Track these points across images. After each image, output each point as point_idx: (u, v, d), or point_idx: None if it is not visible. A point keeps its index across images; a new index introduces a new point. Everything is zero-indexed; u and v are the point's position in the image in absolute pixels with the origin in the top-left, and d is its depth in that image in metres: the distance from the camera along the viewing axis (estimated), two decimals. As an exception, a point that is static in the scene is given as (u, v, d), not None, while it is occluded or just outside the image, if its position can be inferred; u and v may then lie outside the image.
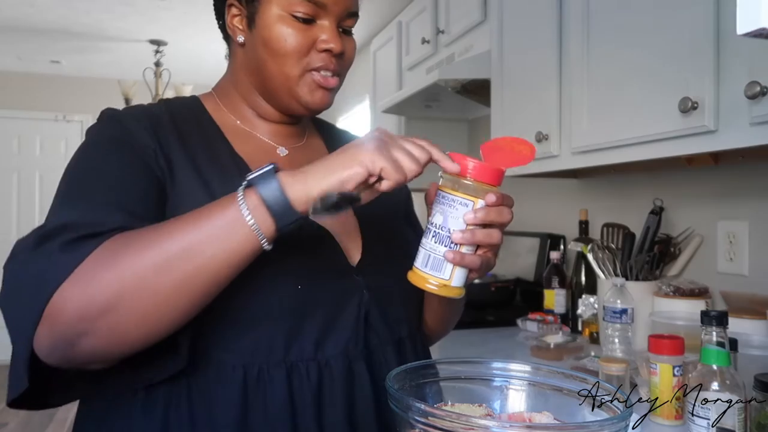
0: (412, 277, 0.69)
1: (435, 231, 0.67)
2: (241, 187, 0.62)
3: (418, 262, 0.69)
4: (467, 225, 0.66)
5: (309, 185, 0.61)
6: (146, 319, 0.60)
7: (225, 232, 0.60)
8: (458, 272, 0.67)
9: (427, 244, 0.68)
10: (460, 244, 0.66)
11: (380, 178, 0.62)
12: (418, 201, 0.99)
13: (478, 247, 0.68)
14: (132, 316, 0.60)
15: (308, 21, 0.76)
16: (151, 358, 0.66)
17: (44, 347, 0.61)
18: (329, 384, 0.71)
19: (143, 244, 0.61)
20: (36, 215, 5.36)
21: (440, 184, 0.68)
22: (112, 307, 0.59)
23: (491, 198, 0.65)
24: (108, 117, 0.76)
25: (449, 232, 0.66)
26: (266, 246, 0.62)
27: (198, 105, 0.84)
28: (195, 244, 0.60)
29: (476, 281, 2.08)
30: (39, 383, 0.65)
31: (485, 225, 0.66)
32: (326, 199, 0.60)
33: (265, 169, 0.62)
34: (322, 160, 0.63)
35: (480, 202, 0.66)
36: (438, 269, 0.67)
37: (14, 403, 0.65)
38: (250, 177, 0.62)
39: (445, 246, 0.66)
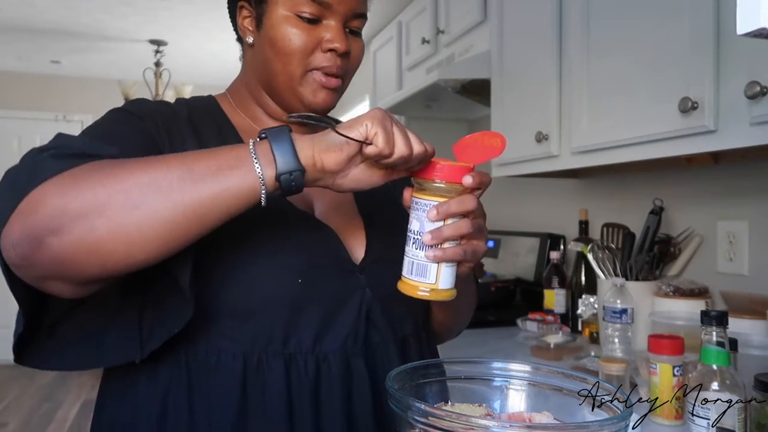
0: (402, 287, 0.69)
1: (414, 238, 0.67)
2: (251, 141, 0.63)
3: (405, 270, 0.69)
4: (444, 223, 0.66)
5: (314, 141, 0.63)
6: (125, 234, 0.58)
7: (228, 164, 0.60)
8: (444, 273, 0.67)
9: (410, 251, 0.68)
10: (433, 245, 0.66)
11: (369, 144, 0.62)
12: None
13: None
14: (111, 226, 0.57)
15: (314, 21, 0.77)
16: (161, 313, 0.68)
17: (10, 241, 0.58)
18: (327, 378, 0.72)
19: (142, 163, 0.61)
20: (36, 215, 5.37)
21: (413, 189, 0.68)
22: (95, 209, 0.57)
23: (468, 180, 0.65)
24: (128, 101, 0.80)
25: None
26: (263, 197, 0.61)
27: (214, 104, 0.86)
28: (196, 170, 0.60)
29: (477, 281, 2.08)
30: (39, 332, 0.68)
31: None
32: (306, 114, 0.64)
33: (280, 126, 0.63)
34: (325, 131, 0.64)
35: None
36: (423, 275, 0.67)
37: (18, 351, 0.68)
38: (265, 130, 0.63)
39: (424, 250, 0.66)
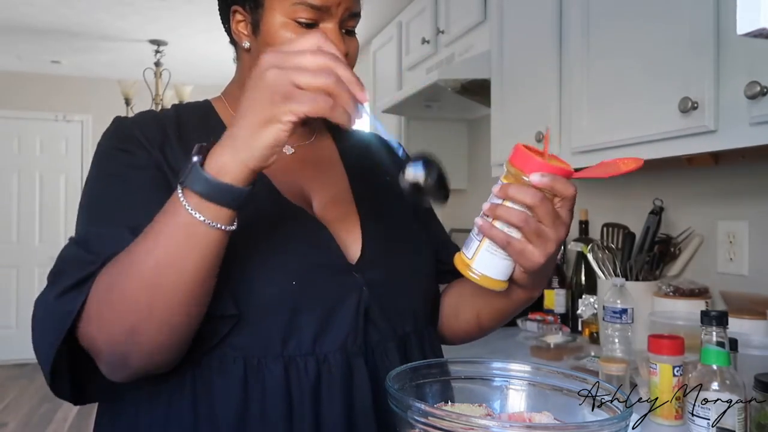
0: (456, 260, 0.69)
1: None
2: (179, 193, 0.60)
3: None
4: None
5: (241, 158, 0.58)
6: (167, 324, 0.63)
7: (186, 240, 0.60)
8: (483, 255, 0.66)
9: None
10: (484, 216, 0.65)
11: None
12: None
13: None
14: (154, 329, 0.63)
15: (311, 25, 0.76)
16: (206, 324, 0.69)
17: (105, 373, 0.67)
18: (327, 379, 0.72)
19: (124, 274, 0.62)
20: (36, 215, 5.37)
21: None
22: (133, 330, 0.62)
23: (534, 177, 0.63)
24: (115, 130, 0.79)
25: None
26: (230, 228, 0.61)
27: (209, 108, 0.86)
28: (166, 262, 0.61)
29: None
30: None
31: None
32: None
33: (191, 167, 0.59)
34: (238, 126, 0.58)
35: None
36: (467, 246, 0.68)
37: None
38: (182, 180, 0.60)
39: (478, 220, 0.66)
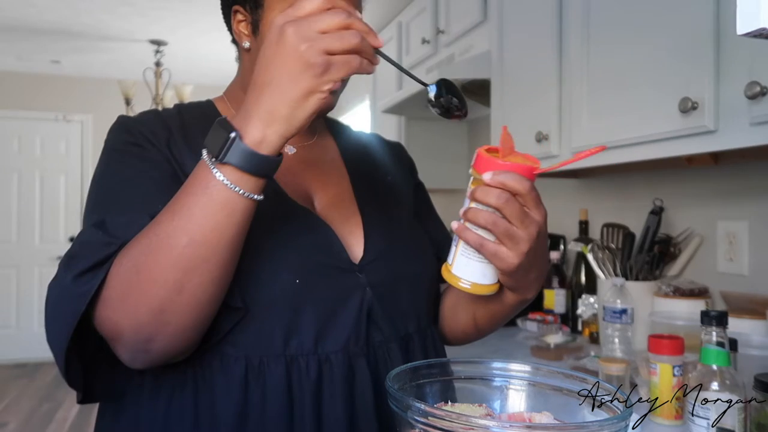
0: (443, 270, 0.70)
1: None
2: (212, 169, 0.60)
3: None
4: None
5: (281, 131, 0.59)
6: (196, 302, 0.63)
7: (224, 214, 0.61)
8: (460, 260, 0.67)
9: None
10: (461, 220, 0.66)
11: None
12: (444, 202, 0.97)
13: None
14: (182, 308, 0.62)
15: None
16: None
17: (126, 360, 0.67)
18: (329, 379, 0.72)
19: (154, 248, 0.62)
20: (36, 215, 5.37)
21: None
22: (161, 310, 0.62)
23: (487, 176, 0.63)
24: (123, 126, 0.78)
25: None
26: (261, 197, 0.63)
27: (211, 108, 0.86)
28: (200, 238, 0.61)
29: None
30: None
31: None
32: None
33: (230, 143, 0.59)
34: (273, 100, 0.59)
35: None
36: (448, 252, 0.69)
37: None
38: (218, 156, 0.59)
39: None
